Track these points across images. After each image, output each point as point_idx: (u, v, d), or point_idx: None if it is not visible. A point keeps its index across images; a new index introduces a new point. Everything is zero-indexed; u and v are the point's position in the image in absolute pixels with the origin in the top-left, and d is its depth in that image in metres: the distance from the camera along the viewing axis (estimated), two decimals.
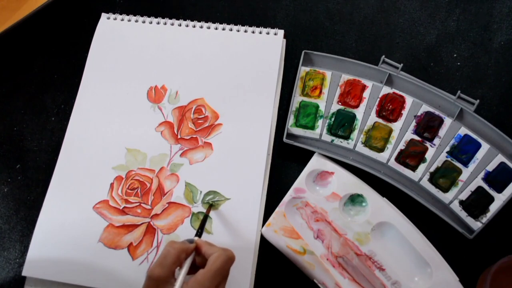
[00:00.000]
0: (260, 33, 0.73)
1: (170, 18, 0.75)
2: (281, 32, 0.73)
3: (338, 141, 0.68)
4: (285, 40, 0.74)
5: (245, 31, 0.74)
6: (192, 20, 0.75)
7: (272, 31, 0.73)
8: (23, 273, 0.61)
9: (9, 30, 0.71)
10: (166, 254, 0.48)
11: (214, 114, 0.71)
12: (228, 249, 0.50)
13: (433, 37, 0.74)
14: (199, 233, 0.56)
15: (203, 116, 0.71)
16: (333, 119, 0.69)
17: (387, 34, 0.74)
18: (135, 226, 0.65)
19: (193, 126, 0.70)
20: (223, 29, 0.74)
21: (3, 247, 0.64)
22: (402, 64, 0.68)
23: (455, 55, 0.73)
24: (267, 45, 0.73)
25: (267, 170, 0.68)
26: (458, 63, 0.72)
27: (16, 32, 0.73)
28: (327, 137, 0.69)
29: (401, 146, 0.67)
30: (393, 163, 0.67)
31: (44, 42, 0.75)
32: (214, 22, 0.75)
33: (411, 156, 0.66)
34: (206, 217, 0.61)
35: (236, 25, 0.74)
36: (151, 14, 0.75)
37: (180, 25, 0.75)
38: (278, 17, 0.76)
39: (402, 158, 0.66)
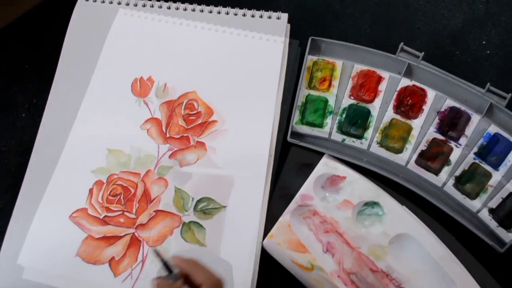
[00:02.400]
0: (261, 17, 0.70)
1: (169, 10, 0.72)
2: (284, 16, 0.70)
3: (350, 140, 0.65)
4: (289, 25, 0.70)
5: (244, 15, 0.71)
6: (186, 2, 0.72)
7: (274, 14, 0.70)
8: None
9: (8, 26, 0.69)
10: None
11: (208, 109, 0.68)
12: (215, 276, 0.49)
13: (459, 22, 0.71)
14: (168, 271, 0.51)
15: (195, 111, 0.68)
16: (344, 115, 0.65)
17: (406, 18, 0.71)
18: (118, 238, 0.62)
19: (184, 123, 0.67)
20: (219, 12, 0.71)
21: None
22: (423, 53, 0.64)
23: (484, 42, 0.70)
24: (269, 30, 0.70)
25: (269, 174, 0.65)
26: (488, 52, 0.69)
27: (15, 28, 0.71)
28: (337, 136, 0.65)
29: (422, 146, 0.63)
30: (413, 166, 0.63)
31: (13, 28, 0.72)
32: (208, 5, 0.71)
33: (434, 157, 0.63)
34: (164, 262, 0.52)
35: (234, 8, 0.71)
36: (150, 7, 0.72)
37: (169, 7, 0.72)
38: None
39: (423, 160, 0.63)
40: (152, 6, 0.73)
